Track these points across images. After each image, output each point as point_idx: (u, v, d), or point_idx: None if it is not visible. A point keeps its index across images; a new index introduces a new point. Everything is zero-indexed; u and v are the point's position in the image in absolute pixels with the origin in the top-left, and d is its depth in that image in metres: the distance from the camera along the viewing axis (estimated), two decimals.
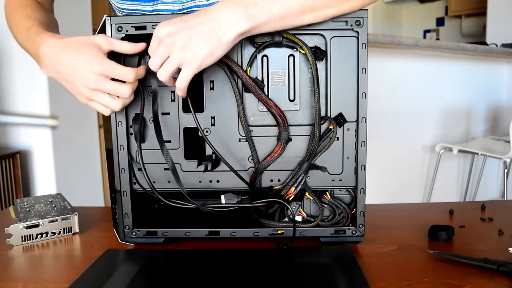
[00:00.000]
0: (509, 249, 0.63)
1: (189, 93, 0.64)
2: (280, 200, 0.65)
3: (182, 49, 0.55)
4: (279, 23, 0.57)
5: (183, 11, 0.78)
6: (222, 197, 0.66)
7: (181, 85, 0.58)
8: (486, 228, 0.74)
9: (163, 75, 0.58)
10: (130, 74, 0.59)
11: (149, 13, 0.79)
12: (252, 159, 0.67)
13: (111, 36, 0.63)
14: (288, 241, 0.65)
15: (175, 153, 0.67)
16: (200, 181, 0.68)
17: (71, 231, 0.74)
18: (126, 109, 0.66)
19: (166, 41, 0.56)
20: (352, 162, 0.66)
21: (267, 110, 0.66)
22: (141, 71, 0.61)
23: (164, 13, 0.79)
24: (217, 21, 0.55)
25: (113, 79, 0.60)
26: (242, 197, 0.66)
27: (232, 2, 0.56)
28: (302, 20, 0.58)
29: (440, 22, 5.22)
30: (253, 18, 0.55)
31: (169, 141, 0.67)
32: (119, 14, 0.83)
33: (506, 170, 2.34)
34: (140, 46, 0.61)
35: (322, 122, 0.65)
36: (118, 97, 0.61)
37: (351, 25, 0.62)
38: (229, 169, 0.67)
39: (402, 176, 2.59)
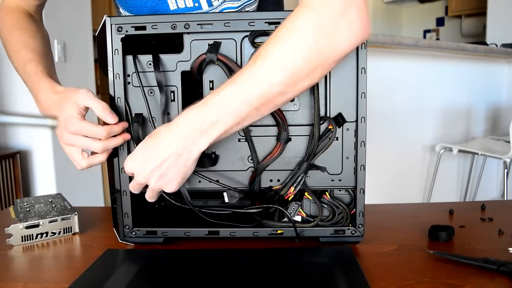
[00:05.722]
0: (509, 249, 0.63)
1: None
2: (276, 206, 0.66)
3: (158, 181, 0.59)
4: (236, 127, 0.57)
5: (178, 13, 0.79)
6: (225, 194, 0.66)
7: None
8: (486, 228, 0.74)
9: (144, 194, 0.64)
10: (102, 132, 0.63)
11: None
12: (251, 159, 0.67)
13: (111, 36, 0.64)
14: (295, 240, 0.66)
15: None
16: (199, 181, 0.68)
17: (71, 231, 0.74)
18: (126, 109, 0.66)
19: (139, 180, 0.60)
20: (352, 162, 0.66)
21: None
22: (115, 128, 0.64)
23: (164, 14, 0.79)
24: (178, 151, 0.57)
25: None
26: (243, 196, 0.66)
27: (186, 124, 0.57)
28: (260, 115, 0.57)
29: (440, 22, 5.22)
30: (210, 135, 0.56)
31: None
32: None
33: (506, 170, 2.34)
34: (113, 119, 0.63)
35: (321, 122, 0.65)
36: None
37: None
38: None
39: (402, 176, 2.58)
